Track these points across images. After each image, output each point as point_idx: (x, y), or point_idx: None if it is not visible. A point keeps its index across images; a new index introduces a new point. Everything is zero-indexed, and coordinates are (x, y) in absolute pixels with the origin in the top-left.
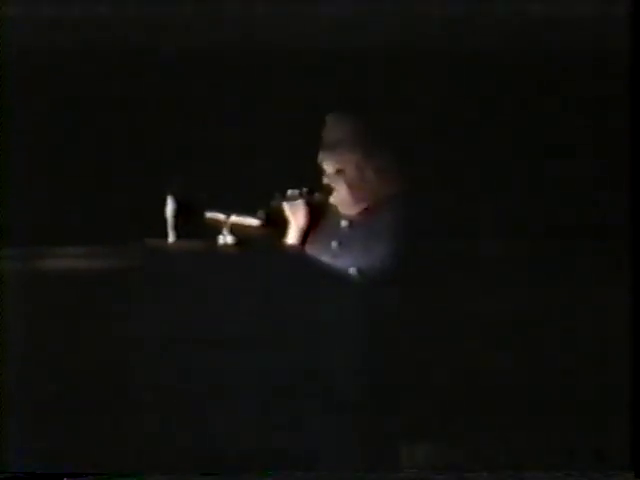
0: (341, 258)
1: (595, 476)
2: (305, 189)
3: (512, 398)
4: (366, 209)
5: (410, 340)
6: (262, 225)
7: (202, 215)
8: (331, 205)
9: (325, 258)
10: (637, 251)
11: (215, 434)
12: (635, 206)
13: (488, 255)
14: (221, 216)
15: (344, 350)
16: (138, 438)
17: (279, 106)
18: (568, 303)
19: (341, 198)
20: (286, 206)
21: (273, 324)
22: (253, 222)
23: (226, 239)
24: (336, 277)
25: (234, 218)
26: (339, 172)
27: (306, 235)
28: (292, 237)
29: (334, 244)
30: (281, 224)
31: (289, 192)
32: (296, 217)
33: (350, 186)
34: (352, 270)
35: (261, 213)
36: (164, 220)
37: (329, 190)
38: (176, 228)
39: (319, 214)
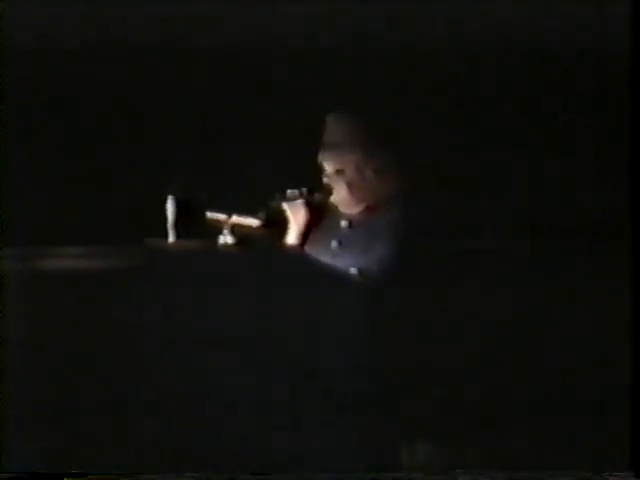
0: (341, 258)
1: (595, 476)
2: (305, 189)
3: (512, 398)
4: (366, 209)
5: (410, 340)
6: (262, 225)
7: (202, 215)
8: (331, 205)
9: (325, 258)
10: (637, 251)
11: (215, 434)
12: (635, 206)
13: (488, 255)
14: (221, 216)
15: (344, 350)
16: (138, 438)
17: (279, 106)
18: (568, 303)
19: (341, 198)
20: (286, 206)
21: (273, 324)
22: (253, 222)
23: (226, 239)
24: (336, 277)
25: (234, 218)
26: (339, 172)
27: (306, 235)
28: (292, 237)
29: (334, 244)
30: (281, 224)
31: (289, 192)
32: (296, 217)
33: (350, 186)
34: (352, 270)
35: (261, 213)
36: (164, 220)
37: (329, 190)
38: (176, 228)
39: (319, 214)
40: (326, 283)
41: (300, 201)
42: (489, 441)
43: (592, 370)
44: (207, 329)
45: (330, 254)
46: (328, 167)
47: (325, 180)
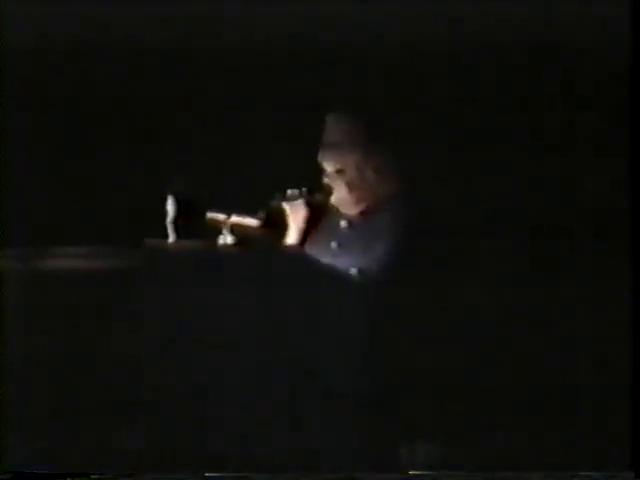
0: (341, 258)
1: (595, 476)
2: (305, 189)
3: (512, 398)
4: (366, 209)
5: (410, 340)
6: (262, 225)
7: (202, 215)
8: (331, 205)
9: (325, 258)
10: (637, 251)
11: (214, 434)
12: (635, 206)
13: (488, 255)
14: (221, 216)
15: (344, 350)
16: (138, 438)
17: (279, 106)
18: (568, 303)
19: (341, 198)
20: (286, 206)
21: (273, 324)
22: (253, 222)
23: (226, 239)
24: (336, 277)
25: (234, 218)
26: (339, 172)
27: (306, 235)
28: (292, 237)
29: (334, 244)
30: (281, 224)
31: (289, 192)
32: (296, 217)
33: (350, 186)
34: (352, 270)
35: (261, 213)
36: (164, 220)
37: (329, 190)
38: (176, 228)
39: (319, 214)
40: (326, 283)
41: (300, 201)
42: (488, 441)
43: (592, 370)
44: (207, 329)
45: (330, 254)
46: (328, 167)
47: (325, 180)
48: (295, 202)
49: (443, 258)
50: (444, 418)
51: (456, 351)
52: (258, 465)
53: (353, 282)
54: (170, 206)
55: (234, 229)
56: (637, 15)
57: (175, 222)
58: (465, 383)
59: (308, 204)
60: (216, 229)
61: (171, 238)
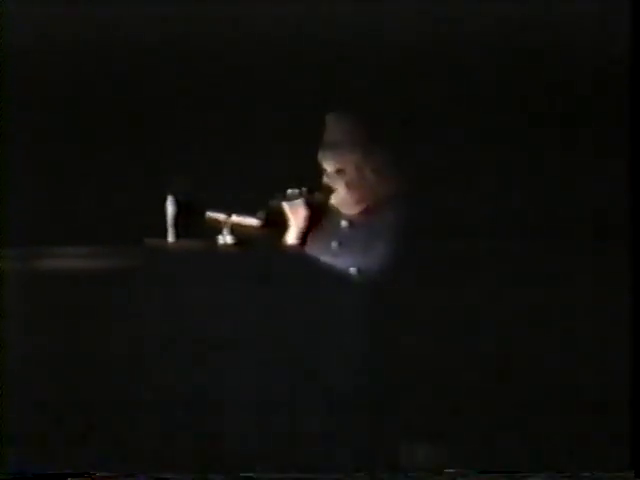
0: (341, 258)
1: (595, 476)
2: (305, 189)
3: (512, 397)
4: (366, 209)
5: (410, 340)
6: (262, 225)
7: (202, 215)
8: (331, 205)
9: (325, 258)
10: (637, 251)
11: (215, 434)
12: (635, 206)
13: (488, 255)
14: (221, 216)
15: (344, 350)
16: (138, 438)
17: (279, 106)
18: (568, 303)
19: (341, 198)
20: (286, 206)
21: (273, 324)
22: (253, 222)
23: (226, 239)
24: (336, 277)
25: (234, 218)
26: (339, 172)
27: (306, 235)
28: (292, 237)
29: (334, 244)
30: (281, 224)
31: (289, 192)
32: (296, 217)
33: (350, 186)
34: (352, 270)
35: (261, 213)
36: (164, 220)
37: (329, 190)
38: (176, 228)
39: (319, 214)
40: (326, 283)
41: (300, 201)
42: (488, 441)
43: (592, 370)
44: (207, 329)
45: (330, 254)
46: (328, 167)
47: (325, 180)
48: (295, 202)
49: (443, 258)
50: (444, 418)
51: (456, 351)
52: (258, 465)
53: (353, 282)
54: (170, 206)
55: (234, 229)
56: (637, 15)
57: (175, 222)
58: (465, 383)
59: (308, 204)
60: (216, 229)
61: (171, 238)
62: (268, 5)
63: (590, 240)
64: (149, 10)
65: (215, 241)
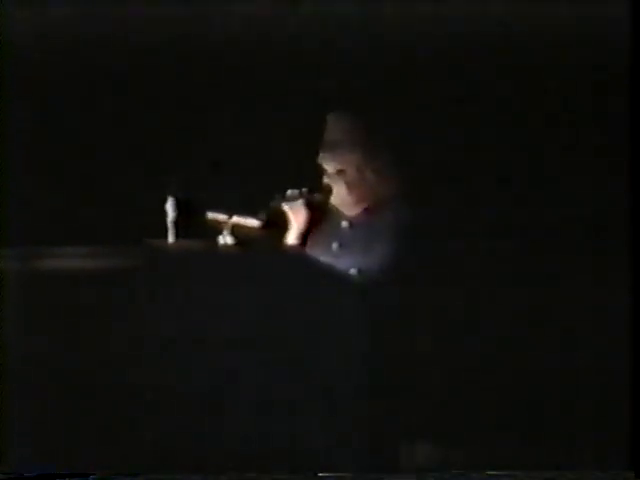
0: (341, 258)
1: (595, 476)
2: (305, 189)
3: (512, 397)
4: (366, 209)
5: (410, 340)
6: (262, 226)
7: (202, 215)
8: (331, 205)
9: (325, 259)
10: (637, 251)
11: (215, 434)
12: (635, 206)
13: (488, 255)
14: (222, 216)
15: (344, 350)
16: (138, 438)
17: (279, 106)
18: (568, 303)
19: (341, 198)
20: (286, 206)
21: (273, 324)
22: (253, 223)
23: (226, 239)
24: (336, 278)
25: (235, 218)
26: (339, 172)
27: (306, 236)
28: (292, 238)
29: (334, 245)
30: (281, 225)
31: (289, 192)
32: (296, 218)
33: (350, 186)
34: (352, 270)
35: (261, 214)
36: (164, 220)
37: (329, 190)
38: (176, 228)
39: (319, 215)
40: (326, 283)
41: (300, 201)
42: (488, 441)
43: (592, 370)
44: (207, 329)
45: (330, 255)
46: (328, 167)
47: (325, 180)
48: (295, 202)
49: (443, 258)
50: (444, 418)
51: (456, 351)
52: (258, 465)
53: (353, 282)
54: (170, 206)
55: (234, 229)
56: (637, 15)
57: (175, 222)
58: (465, 383)
59: (308, 204)
60: (216, 229)
61: (171, 238)
62: (267, 4)
63: (590, 240)
64: (149, 10)
65: (215, 242)
